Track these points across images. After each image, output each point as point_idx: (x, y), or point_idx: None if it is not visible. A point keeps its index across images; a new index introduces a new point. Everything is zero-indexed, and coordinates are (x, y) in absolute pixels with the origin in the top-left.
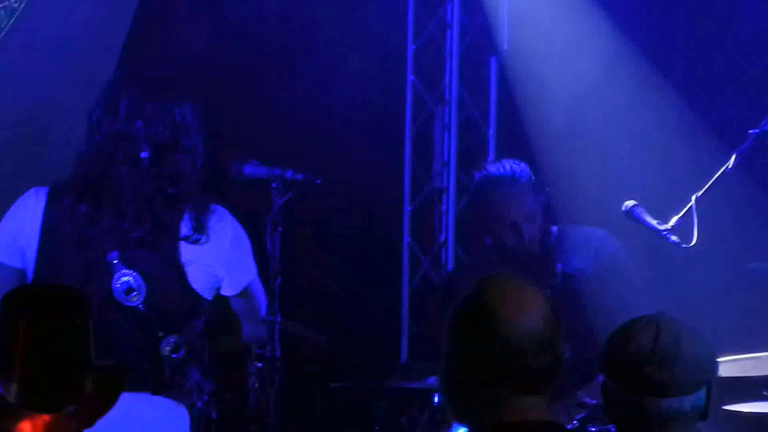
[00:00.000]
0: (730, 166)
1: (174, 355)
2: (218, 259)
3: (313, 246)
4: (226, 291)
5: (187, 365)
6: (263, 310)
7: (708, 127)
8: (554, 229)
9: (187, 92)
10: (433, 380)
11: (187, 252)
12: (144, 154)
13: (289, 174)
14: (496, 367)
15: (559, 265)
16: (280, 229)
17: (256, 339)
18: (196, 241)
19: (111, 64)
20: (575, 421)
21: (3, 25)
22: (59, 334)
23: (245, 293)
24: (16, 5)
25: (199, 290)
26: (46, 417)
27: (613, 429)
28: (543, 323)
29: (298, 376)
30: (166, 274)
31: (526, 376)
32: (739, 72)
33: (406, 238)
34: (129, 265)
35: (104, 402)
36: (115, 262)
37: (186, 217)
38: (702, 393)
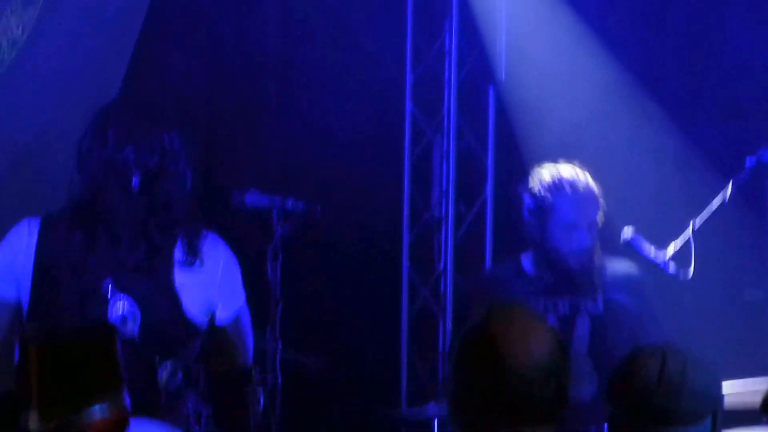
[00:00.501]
0: (727, 196)
1: (170, 380)
2: (212, 283)
3: (314, 274)
4: (220, 316)
5: (184, 390)
6: (250, 337)
7: (705, 157)
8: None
9: (178, 119)
10: (432, 406)
11: (181, 277)
12: (135, 180)
13: (289, 203)
14: (501, 399)
15: (600, 293)
16: (281, 257)
17: (244, 366)
18: (190, 265)
19: (113, 95)
20: None
21: (6, 56)
22: (76, 355)
23: (235, 319)
24: (18, 37)
25: (193, 315)
26: None
27: None
28: (548, 355)
29: (300, 402)
30: (161, 300)
31: (531, 407)
32: (736, 102)
33: (405, 266)
34: (124, 291)
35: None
36: (111, 290)
37: (179, 242)
38: (708, 422)
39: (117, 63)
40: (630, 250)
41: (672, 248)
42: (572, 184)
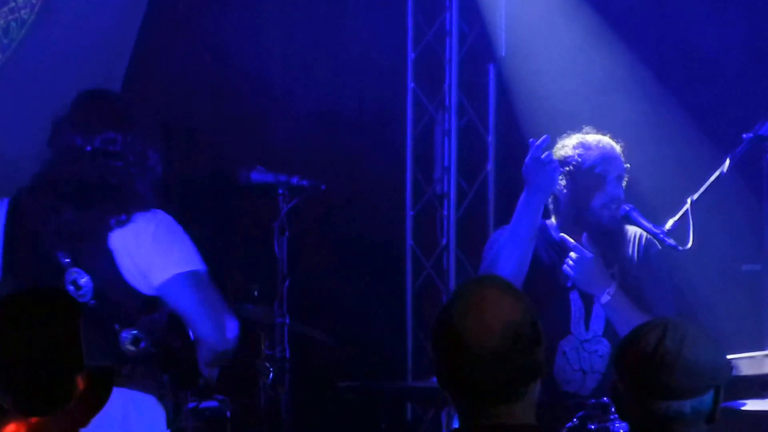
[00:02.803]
0: (724, 170)
1: (132, 348)
2: (141, 249)
3: (319, 250)
4: (150, 282)
5: (153, 359)
6: (196, 313)
7: (703, 131)
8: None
9: (183, 101)
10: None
11: (115, 241)
12: (87, 149)
13: (295, 180)
14: (459, 379)
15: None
16: (287, 233)
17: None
18: (119, 223)
19: (120, 74)
20: (575, 419)
21: (15, 35)
22: (50, 339)
23: (168, 288)
24: (26, 17)
25: (131, 282)
26: (36, 419)
27: (612, 427)
28: (502, 337)
29: (307, 376)
30: (102, 265)
31: (489, 388)
32: (733, 77)
33: (409, 242)
34: (76, 261)
35: (95, 402)
36: (66, 260)
37: (118, 211)
38: (708, 397)
39: (123, 43)
40: (627, 222)
41: (671, 222)
42: (597, 141)
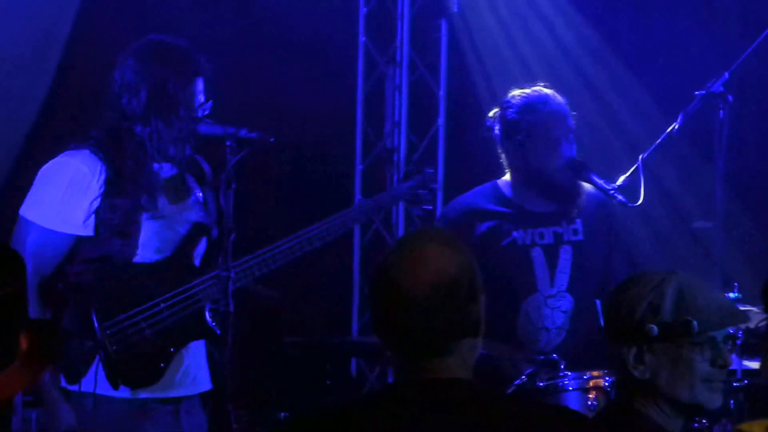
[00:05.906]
0: (676, 127)
1: None
2: None
3: (267, 203)
4: None
5: None
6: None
7: (655, 88)
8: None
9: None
10: None
11: None
12: None
13: (243, 132)
14: (391, 328)
15: (580, 220)
16: (234, 186)
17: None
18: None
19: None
20: (524, 376)
21: None
22: None
23: None
24: None
25: None
26: None
27: (560, 383)
28: (434, 288)
29: (252, 331)
30: None
31: (418, 339)
32: (685, 35)
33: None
34: None
35: (41, 359)
36: None
37: None
38: None
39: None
40: (579, 178)
41: (622, 178)
42: (545, 101)
